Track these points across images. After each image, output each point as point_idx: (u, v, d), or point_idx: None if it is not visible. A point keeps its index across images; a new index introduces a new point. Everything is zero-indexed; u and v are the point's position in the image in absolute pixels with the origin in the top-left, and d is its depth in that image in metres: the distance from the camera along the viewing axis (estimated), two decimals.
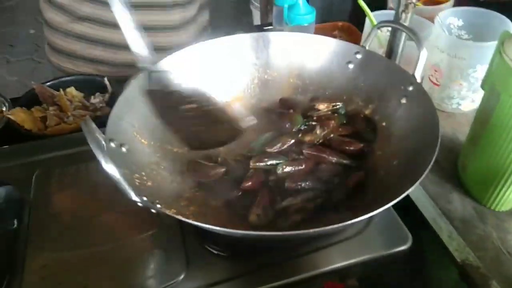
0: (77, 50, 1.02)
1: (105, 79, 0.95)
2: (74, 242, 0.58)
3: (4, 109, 0.91)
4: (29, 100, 0.91)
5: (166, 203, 0.49)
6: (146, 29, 0.98)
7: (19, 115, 0.84)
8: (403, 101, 0.60)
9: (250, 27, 1.07)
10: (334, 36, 1.16)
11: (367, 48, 0.66)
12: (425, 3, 1.02)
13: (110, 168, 0.41)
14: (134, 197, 0.43)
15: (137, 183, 0.49)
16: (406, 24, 0.66)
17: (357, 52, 0.67)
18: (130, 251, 0.57)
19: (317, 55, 0.70)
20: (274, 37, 0.69)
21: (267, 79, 0.71)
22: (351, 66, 0.68)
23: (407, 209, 0.72)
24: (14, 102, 0.91)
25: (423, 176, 0.45)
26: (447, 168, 0.76)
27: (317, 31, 1.11)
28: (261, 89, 0.71)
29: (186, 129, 0.57)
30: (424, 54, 0.57)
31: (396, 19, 0.66)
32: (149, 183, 0.52)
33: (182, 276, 0.54)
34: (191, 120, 0.57)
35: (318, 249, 0.57)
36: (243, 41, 0.69)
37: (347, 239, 0.58)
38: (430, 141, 0.50)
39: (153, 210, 0.44)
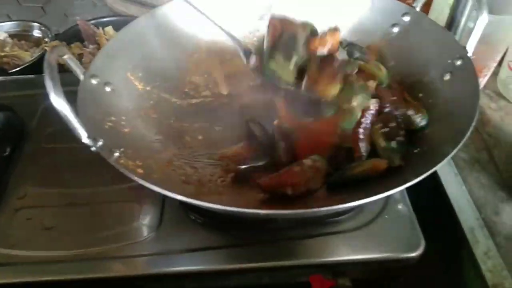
0: None
1: None
2: (58, 179, 0.57)
3: (47, 40, 0.92)
4: (72, 36, 0.91)
5: (136, 155, 0.43)
6: None
7: None
8: (447, 77, 0.48)
9: None
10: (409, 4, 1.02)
11: (417, 9, 0.54)
12: None
13: (58, 102, 0.36)
14: (85, 139, 0.38)
15: (107, 126, 0.45)
16: None
17: (405, 14, 0.55)
18: (106, 199, 0.54)
19: (355, 11, 0.59)
20: None
21: None
22: (395, 29, 0.56)
23: (441, 211, 0.61)
24: (57, 36, 0.92)
25: (431, 171, 0.35)
26: (505, 173, 0.63)
27: None
28: None
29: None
30: (483, 20, 0.45)
31: None
32: (127, 130, 0.47)
33: (150, 236, 0.49)
34: None
35: (312, 236, 0.50)
36: None
37: (348, 230, 0.50)
38: (459, 133, 0.39)
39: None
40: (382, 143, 0.47)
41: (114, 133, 0.45)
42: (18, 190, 0.55)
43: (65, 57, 0.43)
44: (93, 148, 0.39)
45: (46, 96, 0.64)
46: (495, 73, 0.77)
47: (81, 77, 0.45)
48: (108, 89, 0.48)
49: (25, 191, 0.55)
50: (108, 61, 0.50)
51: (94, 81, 0.47)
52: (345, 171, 0.46)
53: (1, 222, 0.52)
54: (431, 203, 0.62)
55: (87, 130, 0.39)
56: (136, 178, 0.37)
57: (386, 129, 0.48)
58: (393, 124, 0.48)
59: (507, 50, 0.73)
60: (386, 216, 0.50)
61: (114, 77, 0.50)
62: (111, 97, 0.48)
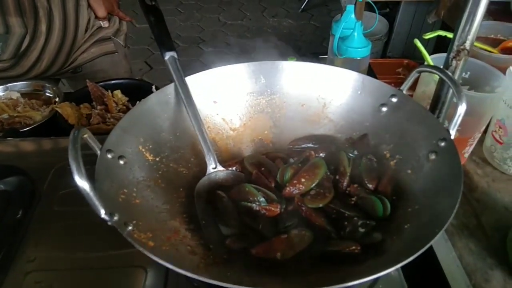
0: None
1: (153, 86, 0.98)
2: (66, 244, 0.59)
3: (57, 100, 0.97)
4: (81, 97, 0.96)
5: (147, 226, 0.46)
6: None
7: (66, 109, 0.89)
8: (432, 156, 0.53)
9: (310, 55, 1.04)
10: (397, 74, 1.09)
11: (404, 92, 0.59)
12: (503, 51, 0.90)
13: (81, 182, 0.40)
14: (103, 215, 0.42)
15: (120, 199, 0.48)
16: (457, 72, 0.59)
17: (392, 95, 0.60)
18: (113, 264, 0.56)
19: (348, 91, 0.64)
20: (288, 67, 0.67)
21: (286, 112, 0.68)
22: (384, 109, 0.62)
23: (432, 277, 0.63)
24: (68, 96, 0.97)
25: (421, 250, 0.39)
26: (494, 239, 0.66)
27: (378, 66, 1.05)
28: (284, 120, 0.68)
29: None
30: (462, 108, 0.50)
31: (446, 66, 0.59)
32: (138, 201, 0.51)
33: None
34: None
35: None
36: (245, 69, 0.67)
37: None
38: (445, 212, 0.43)
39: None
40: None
41: (127, 206, 0.48)
42: (29, 253, 0.57)
43: (85, 136, 0.47)
44: (109, 223, 0.42)
45: (58, 159, 0.68)
46: (481, 140, 0.82)
47: (98, 152, 0.49)
48: (121, 162, 0.52)
49: (35, 254, 0.57)
50: (122, 135, 0.54)
51: (109, 156, 0.50)
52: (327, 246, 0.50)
53: (10, 285, 0.53)
54: (422, 269, 0.64)
55: (104, 206, 0.42)
56: (147, 253, 0.40)
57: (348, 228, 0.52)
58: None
59: (490, 120, 0.78)
60: (381, 286, 0.53)
61: (127, 151, 0.54)
62: (124, 170, 0.52)
